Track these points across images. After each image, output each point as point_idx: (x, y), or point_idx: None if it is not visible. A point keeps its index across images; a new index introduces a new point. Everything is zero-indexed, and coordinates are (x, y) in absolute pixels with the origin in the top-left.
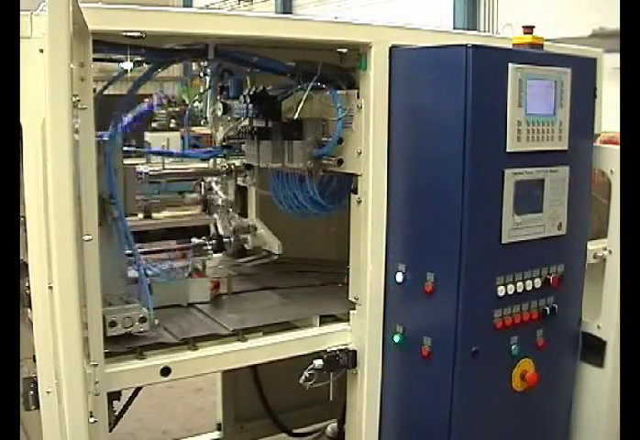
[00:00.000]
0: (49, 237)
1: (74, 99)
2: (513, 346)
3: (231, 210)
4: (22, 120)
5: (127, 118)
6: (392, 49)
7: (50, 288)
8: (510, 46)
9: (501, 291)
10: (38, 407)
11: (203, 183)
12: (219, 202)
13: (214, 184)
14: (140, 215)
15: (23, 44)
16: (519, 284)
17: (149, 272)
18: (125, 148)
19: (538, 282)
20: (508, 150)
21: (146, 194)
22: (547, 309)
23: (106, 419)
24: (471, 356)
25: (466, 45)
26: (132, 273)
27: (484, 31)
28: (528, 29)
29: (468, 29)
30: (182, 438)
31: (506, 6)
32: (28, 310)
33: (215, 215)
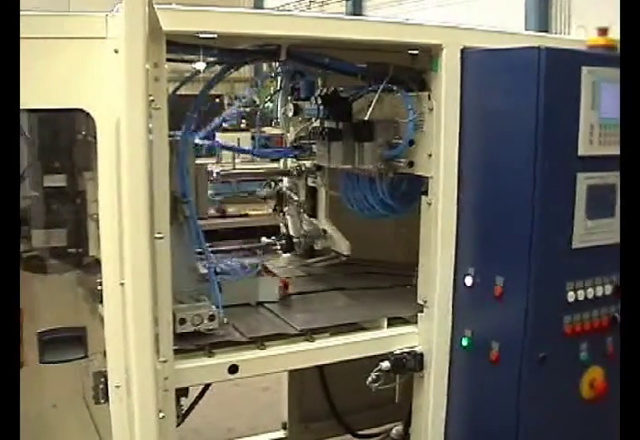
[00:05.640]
0: (122, 235)
1: (149, 99)
2: (582, 353)
3: (302, 211)
4: (96, 120)
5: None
6: (464, 50)
7: (122, 285)
8: (583, 48)
9: (570, 296)
10: (107, 400)
11: (274, 184)
12: (292, 203)
13: (285, 183)
14: (214, 213)
15: (98, 44)
16: (589, 290)
17: (219, 271)
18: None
19: (609, 289)
20: (580, 154)
21: (219, 194)
22: (618, 316)
23: (174, 415)
24: (539, 361)
25: (539, 47)
26: (202, 271)
27: (557, 33)
28: (602, 31)
29: (540, 31)
30: (246, 436)
31: (579, 8)
32: (100, 306)
33: (288, 216)
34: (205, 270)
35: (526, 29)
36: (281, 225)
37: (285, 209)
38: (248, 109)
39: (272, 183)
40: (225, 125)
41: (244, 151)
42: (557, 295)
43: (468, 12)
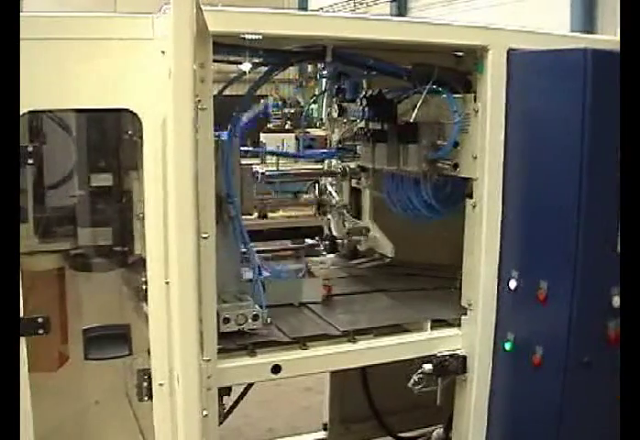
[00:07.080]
0: (167, 234)
1: (196, 99)
2: None
3: (345, 211)
4: (143, 120)
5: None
6: (510, 52)
7: (167, 283)
8: None
9: (616, 301)
10: (150, 398)
11: (317, 185)
12: (333, 203)
13: (328, 186)
14: (255, 215)
15: (144, 45)
16: None
17: (263, 271)
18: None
19: None
20: None
21: (261, 194)
22: None
23: (217, 414)
24: (583, 366)
25: (585, 49)
26: (246, 271)
27: (602, 33)
28: None
29: (585, 32)
30: (287, 436)
31: None
32: (144, 304)
33: (330, 217)
34: (249, 270)
35: (572, 30)
36: (325, 226)
37: (328, 209)
38: (292, 110)
39: (316, 185)
40: (270, 125)
41: (289, 155)
42: (603, 300)
43: (518, 12)
